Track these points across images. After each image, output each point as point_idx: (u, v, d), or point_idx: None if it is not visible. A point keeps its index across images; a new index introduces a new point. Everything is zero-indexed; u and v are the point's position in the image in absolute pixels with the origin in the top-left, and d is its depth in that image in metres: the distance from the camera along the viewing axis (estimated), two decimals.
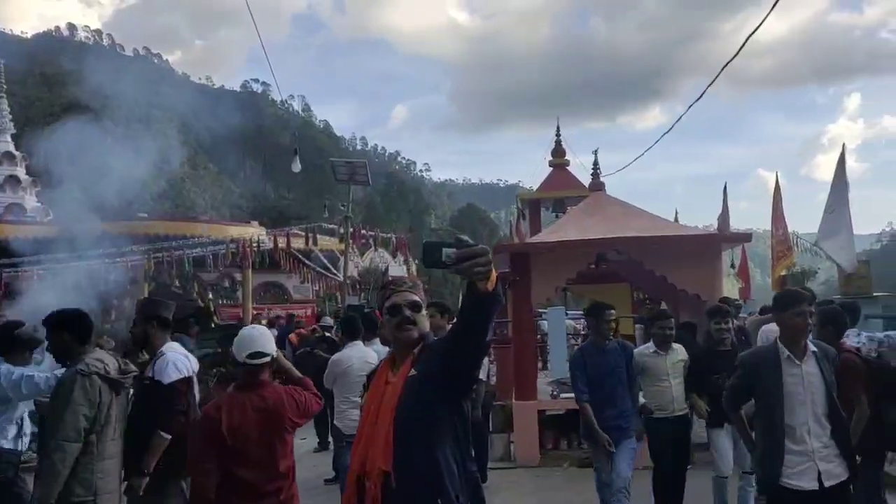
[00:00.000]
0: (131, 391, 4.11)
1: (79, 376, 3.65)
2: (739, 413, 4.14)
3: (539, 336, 11.90)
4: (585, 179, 13.07)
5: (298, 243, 17.90)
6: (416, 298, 2.54)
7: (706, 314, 6.21)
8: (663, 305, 11.58)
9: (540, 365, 11.48)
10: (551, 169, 17.52)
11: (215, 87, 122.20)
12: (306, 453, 9.24)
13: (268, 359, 3.49)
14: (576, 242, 8.63)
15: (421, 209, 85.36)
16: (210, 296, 19.46)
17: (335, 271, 19.89)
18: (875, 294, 10.27)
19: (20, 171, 21.71)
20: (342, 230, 17.71)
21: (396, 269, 21.45)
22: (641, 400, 5.79)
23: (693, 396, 5.76)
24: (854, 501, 3.86)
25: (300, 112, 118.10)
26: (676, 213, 18.55)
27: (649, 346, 5.91)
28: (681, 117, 10.45)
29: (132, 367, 4.03)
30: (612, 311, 5.74)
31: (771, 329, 6.56)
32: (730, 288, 13.18)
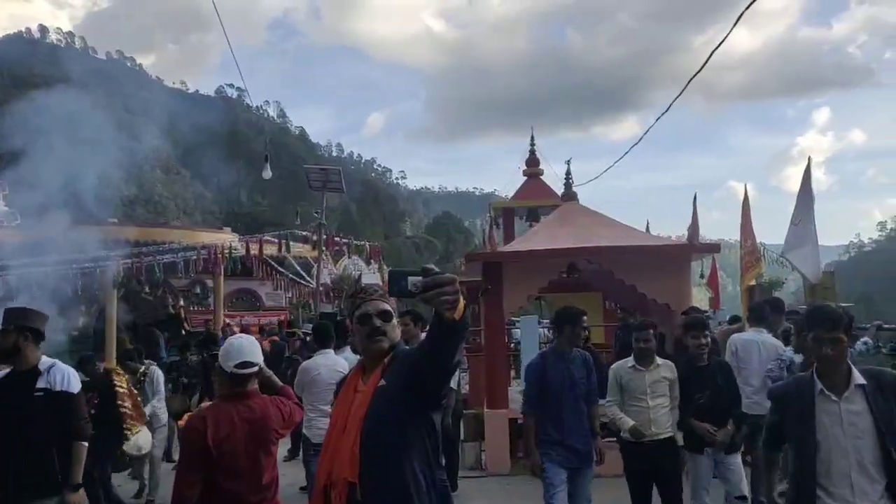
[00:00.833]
0: None
1: None
2: (776, 457, 3.38)
3: (511, 344, 11.95)
4: (559, 189, 13.19)
5: (271, 250, 17.76)
6: (387, 307, 2.52)
7: (682, 327, 5.84)
8: (637, 316, 11.69)
9: (512, 373, 11.52)
10: (525, 178, 17.66)
11: (189, 91, 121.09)
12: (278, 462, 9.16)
13: (255, 368, 3.44)
14: (547, 252, 8.70)
15: (396, 217, 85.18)
16: (181, 302, 19.21)
17: (308, 279, 19.77)
18: (842, 304, 10.46)
19: None
20: (315, 237, 17.63)
21: (370, 277, 21.37)
22: (604, 419, 5.42)
23: (690, 420, 5.17)
24: None
25: (275, 118, 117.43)
26: (648, 223, 18.77)
27: (628, 361, 5.35)
28: (649, 129, 10.68)
29: None
30: (585, 318, 5.41)
31: (738, 339, 6.66)
32: (700, 298, 13.34)
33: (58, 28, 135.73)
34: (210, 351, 9.10)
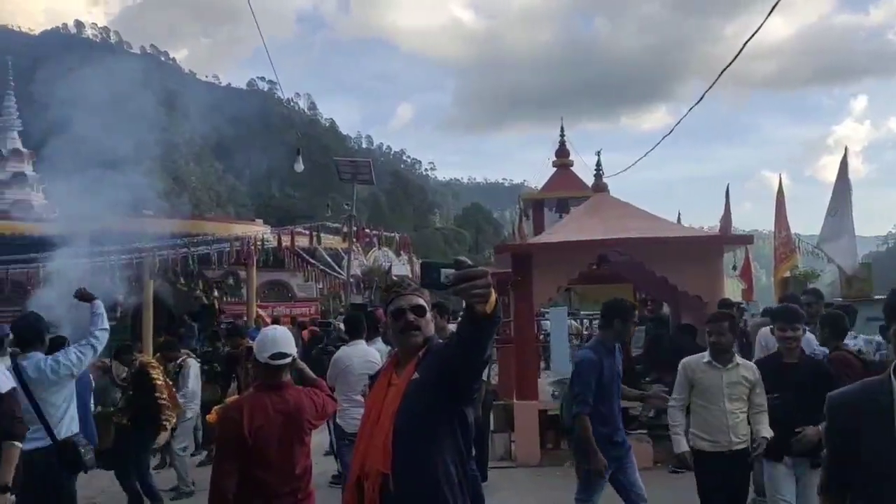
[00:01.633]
0: None
1: None
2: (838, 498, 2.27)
3: (540, 336, 11.95)
4: (589, 180, 13.14)
5: (303, 242, 17.97)
6: (421, 302, 2.52)
7: (773, 316, 5.20)
8: (665, 308, 11.62)
9: (542, 365, 11.53)
10: (555, 169, 17.58)
11: (222, 85, 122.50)
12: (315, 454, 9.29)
13: (289, 359, 3.48)
14: (577, 243, 8.67)
15: (426, 208, 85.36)
16: (215, 294, 19.55)
17: (339, 270, 19.96)
18: (876, 297, 10.28)
19: (27, 168, 21.86)
20: (346, 229, 17.78)
21: (400, 269, 21.52)
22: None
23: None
24: None
25: (306, 110, 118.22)
26: (679, 214, 18.59)
27: (703, 356, 4.63)
28: (680, 120, 10.55)
29: None
30: (636, 312, 5.11)
31: (766, 333, 6.51)
32: (732, 289, 13.19)
33: (93, 24, 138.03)
34: (235, 343, 9.25)
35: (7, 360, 4.88)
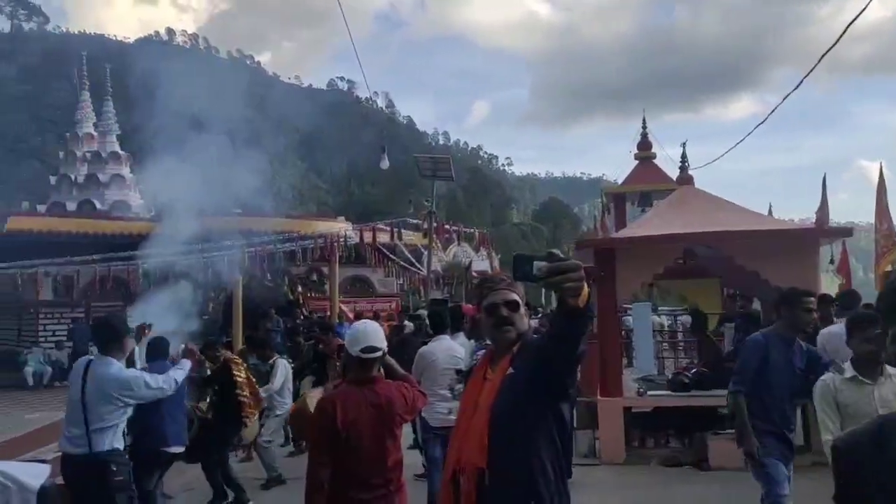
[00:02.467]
0: None
1: None
2: None
3: (623, 332, 11.73)
4: (671, 172, 12.80)
5: (383, 238, 18.25)
6: (514, 297, 2.52)
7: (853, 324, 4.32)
8: (756, 304, 11.20)
9: (625, 361, 11.32)
10: (637, 162, 17.23)
11: (303, 86, 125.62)
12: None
13: (380, 353, 3.54)
14: (663, 237, 8.47)
15: (503, 203, 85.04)
16: (299, 289, 20.10)
17: (419, 266, 20.17)
18: None
19: (125, 171, 23.03)
20: (426, 225, 17.95)
21: (479, 264, 21.55)
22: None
23: None
24: None
25: (384, 108, 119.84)
26: (770, 206, 17.88)
27: (846, 369, 3.84)
28: (776, 108, 10.17)
29: None
30: (812, 299, 4.72)
31: (826, 332, 6.00)
32: (828, 284, 12.58)
33: (183, 30, 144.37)
34: (326, 339, 9.42)
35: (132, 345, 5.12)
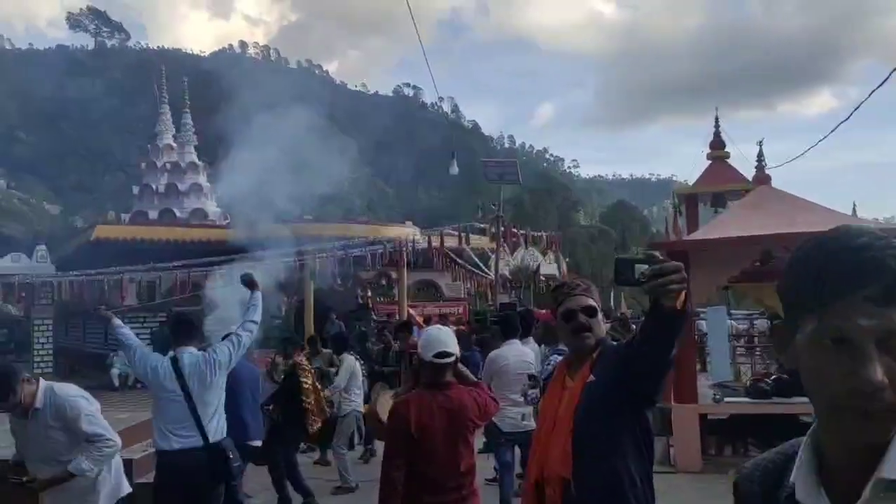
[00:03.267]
0: None
1: None
2: None
3: (696, 336, 11.43)
4: (746, 171, 12.40)
5: (451, 242, 18.35)
6: (591, 302, 2.49)
7: None
8: None
9: (698, 367, 11.03)
10: (709, 162, 16.75)
11: (370, 93, 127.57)
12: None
13: (452, 358, 3.56)
14: (740, 239, 8.22)
15: (570, 206, 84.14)
16: (368, 293, 20.39)
17: (486, 270, 20.18)
18: None
19: (202, 180, 23.90)
20: (493, 229, 17.95)
21: (547, 268, 21.40)
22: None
23: None
24: None
25: (449, 113, 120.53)
26: (854, 205, 17.12)
27: None
28: (861, 104, 9.64)
29: None
30: None
31: None
32: None
33: (255, 42, 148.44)
34: (404, 341, 9.48)
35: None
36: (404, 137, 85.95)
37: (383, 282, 21.21)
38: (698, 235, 9.65)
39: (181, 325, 4.92)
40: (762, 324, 15.07)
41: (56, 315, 18.47)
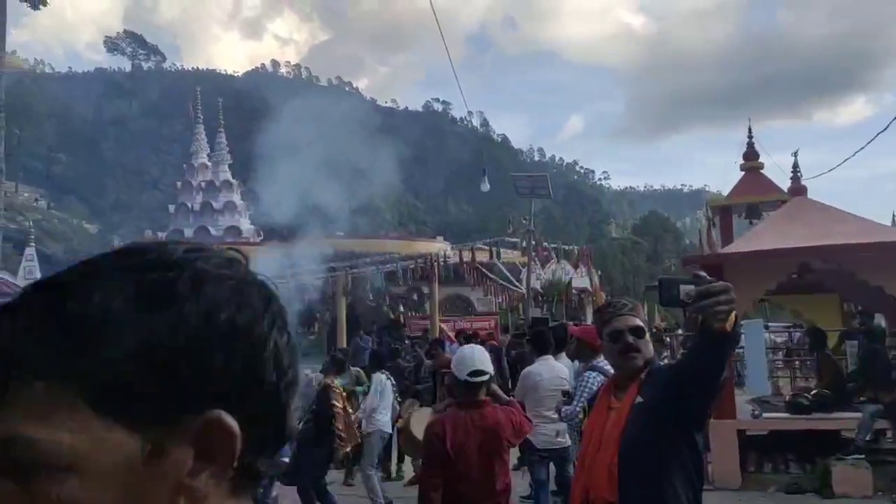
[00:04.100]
0: None
1: None
2: None
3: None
4: (780, 182, 12.23)
5: (482, 257, 18.36)
6: (639, 322, 2.44)
7: None
8: (879, 319, 10.51)
9: (735, 381, 10.84)
10: (743, 173, 16.55)
11: (399, 108, 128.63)
12: None
13: (486, 377, 3.57)
14: (777, 252, 8.09)
15: (600, 218, 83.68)
16: (400, 308, 20.48)
17: (517, 284, 20.13)
18: None
19: (236, 198, 24.32)
20: (524, 243, 17.92)
21: (579, 281, 21.28)
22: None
23: None
24: None
25: (479, 128, 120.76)
26: (894, 215, 16.73)
27: None
28: None
29: None
30: None
31: None
32: None
33: (287, 61, 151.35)
34: (437, 358, 9.42)
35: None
36: (434, 152, 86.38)
37: (415, 297, 21.29)
38: (733, 248, 9.52)
39: None
40: (798, 336, 14.77)
41: None
